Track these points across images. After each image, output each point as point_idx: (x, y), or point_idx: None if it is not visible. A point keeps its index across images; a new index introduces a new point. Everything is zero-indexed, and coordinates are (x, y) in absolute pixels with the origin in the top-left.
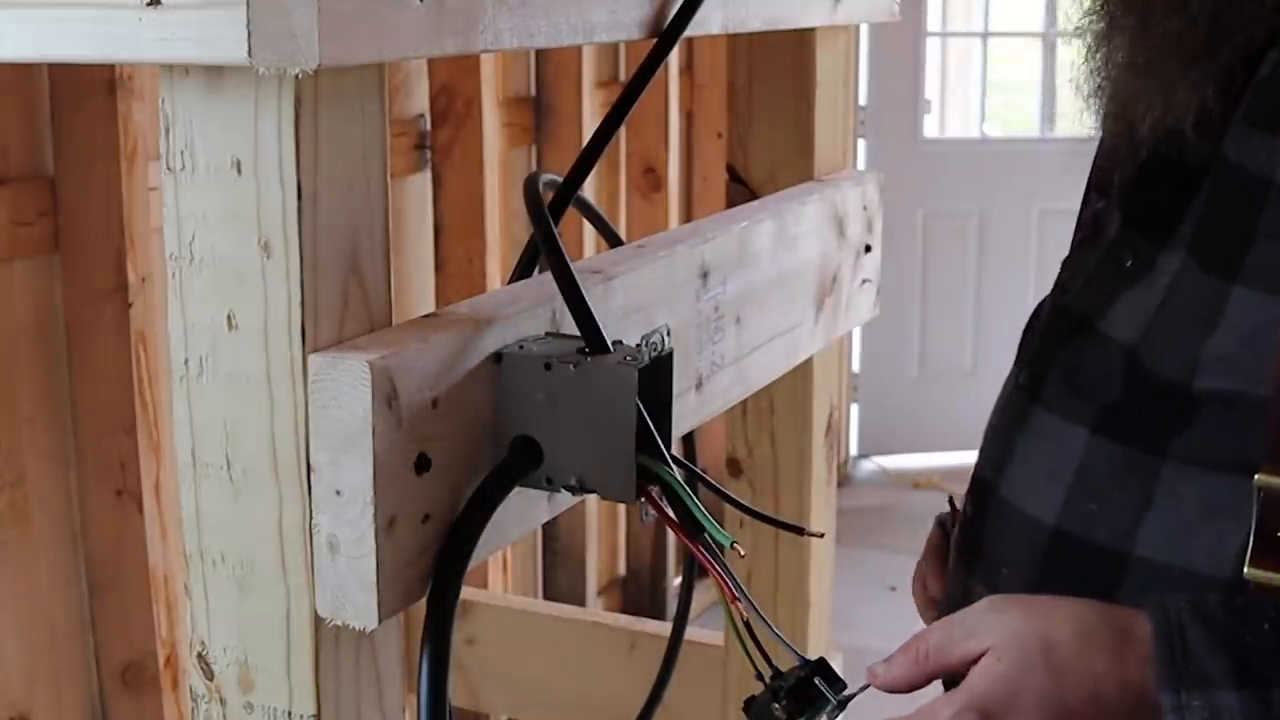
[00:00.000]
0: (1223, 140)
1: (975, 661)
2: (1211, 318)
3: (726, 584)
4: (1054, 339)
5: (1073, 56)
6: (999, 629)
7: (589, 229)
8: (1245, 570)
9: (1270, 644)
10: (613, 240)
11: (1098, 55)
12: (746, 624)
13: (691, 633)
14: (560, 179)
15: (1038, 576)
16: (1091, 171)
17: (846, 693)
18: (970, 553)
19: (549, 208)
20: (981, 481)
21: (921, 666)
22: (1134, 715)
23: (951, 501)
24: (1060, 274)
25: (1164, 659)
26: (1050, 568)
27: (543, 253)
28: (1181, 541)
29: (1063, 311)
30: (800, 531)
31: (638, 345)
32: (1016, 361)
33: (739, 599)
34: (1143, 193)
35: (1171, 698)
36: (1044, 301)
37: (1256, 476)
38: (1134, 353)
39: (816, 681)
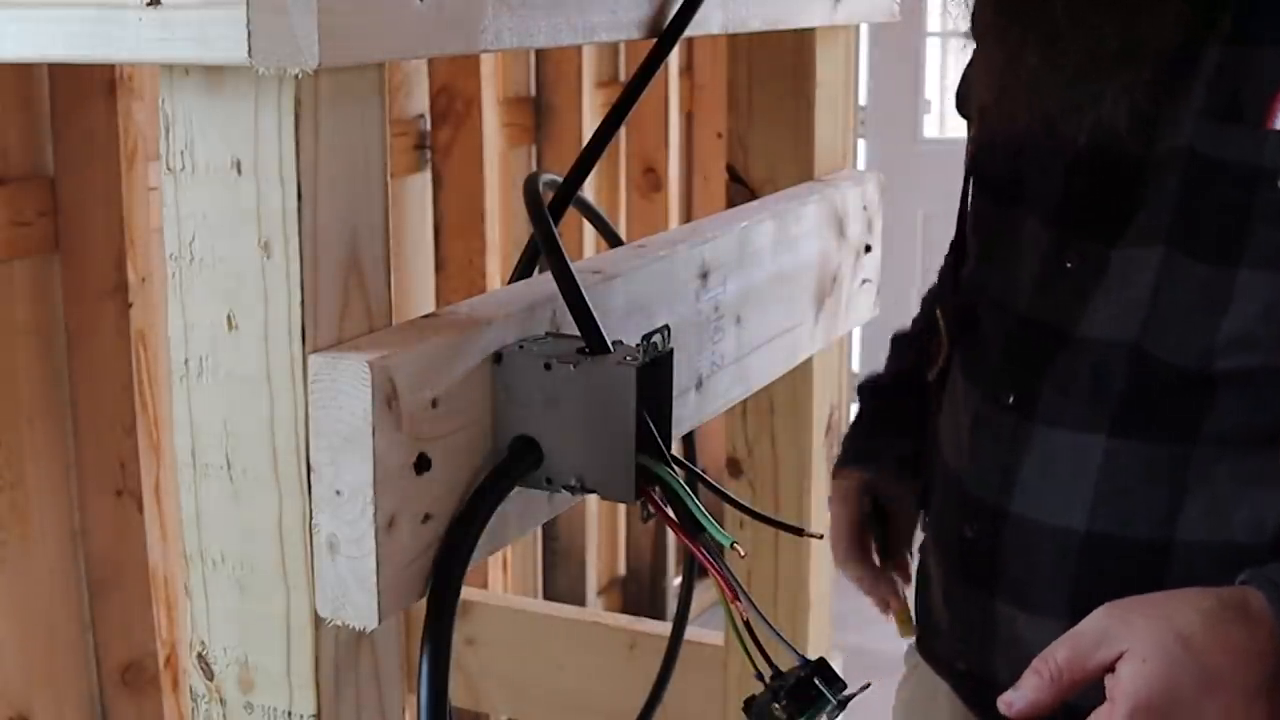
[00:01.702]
0: (1169, 137)
1: (1111, 669)
2: (1220, 302)
3: (726, 584)
4: (1032, 356)
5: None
6: (1130, 632)
7: (589, 229)
8: None
9: None
10: (613, 240)
11: (996, 60)
12: (746, 624)
13: (691, 633)
14: (560, 179)
15: (1076, 580)
16: (972, 170)
17: (846, 693)
18: (984, 575)
19: (549, 208)
20: (984, 505)
21: (1056, 684)
22: (1274, 683)
23: (876, 502)
24: (974, 280)
25: None
26: (1089, 570)
27: (543, 253)
28: (1220, 518)
29: (1025, 326)
30: (800, 532)
31: (638, 345)
32: (974, 377)
33: (739, 599)
34: (1080, 197)
35: None
36: (933, 295)
37: None
38: (1137, 349)
39: (816, 682)
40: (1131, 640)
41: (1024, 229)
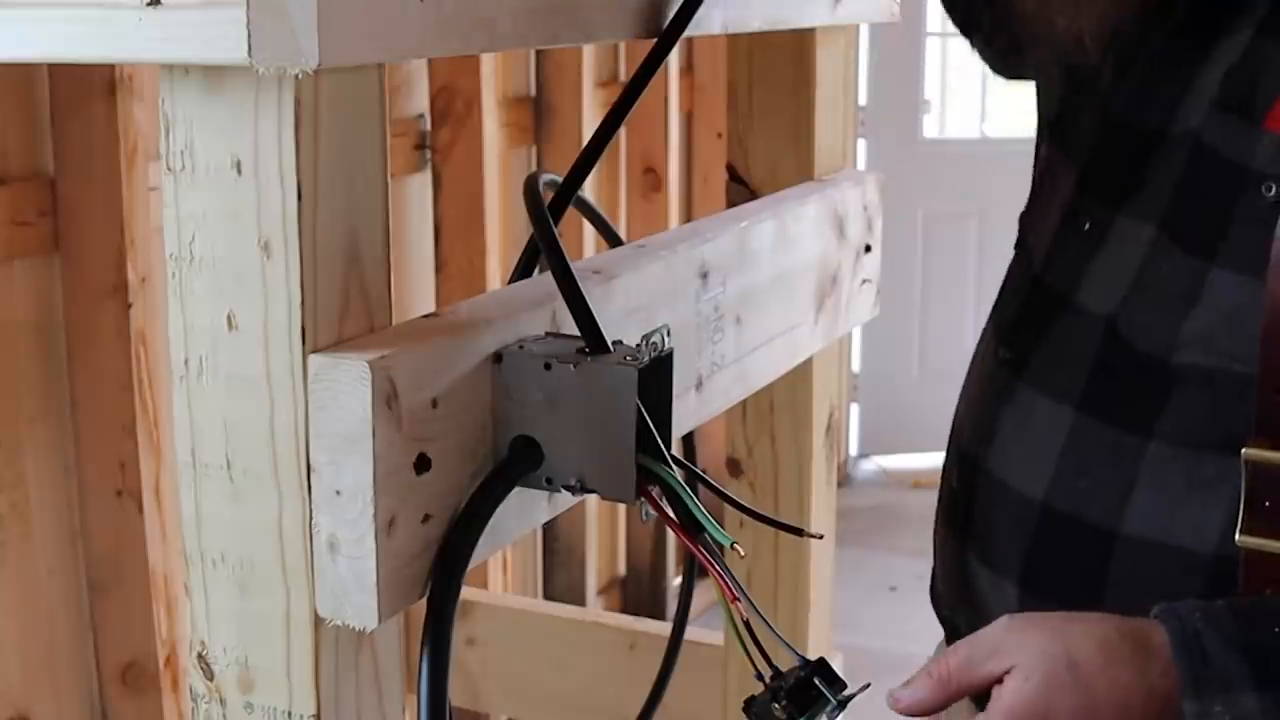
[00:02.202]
0: (1185, 118)
1: (999, 681)
2: (1190, 295)
3: (726, 584)
4: (1034, 314)
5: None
6: (1022, 648)
7: (589, 229)
8: (1237, 538)
9: None
10: (613, 240)
11: None
12: (746, 624)
13: (691, 632)
14: (560, 179)
15: (1029, 552)
16: (1039, 111)
17: (846, 693)
18: (960, 524)
19: (549, 208)
20: (967, 456)
21: (944, 688)
22: None
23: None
24: (1021, 232)
25: (1185, 666)
26: (1041, 543)
27: (542, 252)
28: (1167, 518)
29: (1036, 283)
30: (800, 533)
31: (638, 345)
32: (995, 329)
33: (739, 599)
34: (1102, 156)
35: (1195, 704)
36: (1013, 263)
37: (1244, 450)
38: (1112, 324)
39: (816, 682)
40: (1021, 657)
41: (1060, 178)
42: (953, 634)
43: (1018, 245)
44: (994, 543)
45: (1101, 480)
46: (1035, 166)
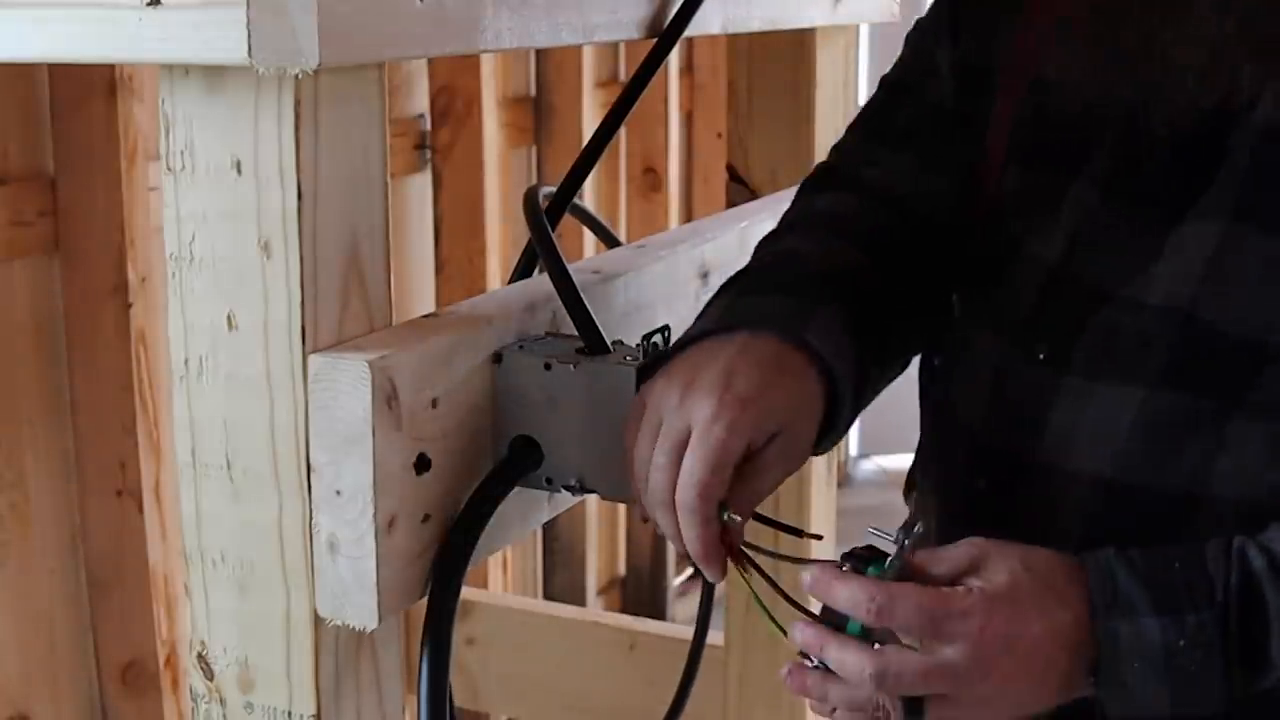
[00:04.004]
0: (1254, 111)
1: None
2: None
3: (735, 559)
4: (1068, 311)
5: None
6: (986, 554)
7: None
8: None
9: (1179, 578)
10: (611, 245)
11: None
12: (763, 574)
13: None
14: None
15: (1089, 527)
16: (1029, 139)
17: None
18: (997, 526)
19: (547, 212)
20: (1003, 454)
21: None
22: (1072, 651)
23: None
24: (1003, 233)
25: (1099, 593)
26: (1106, 518)
27: (542, 262)
28: (1253, 477)
29: (1060, 282)
30: (799, 533)
31: (638, 345)
32: (1000, 329)
33: (749, 570)
34: (1155, 165)
35: (1106, 625)
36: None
37: None
38: (1191, 317)
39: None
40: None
41: (1067, 190)
42: None
43: (1025, 251)
44: (1048, 527)
45: (1184, 447)
46: (989, 176)
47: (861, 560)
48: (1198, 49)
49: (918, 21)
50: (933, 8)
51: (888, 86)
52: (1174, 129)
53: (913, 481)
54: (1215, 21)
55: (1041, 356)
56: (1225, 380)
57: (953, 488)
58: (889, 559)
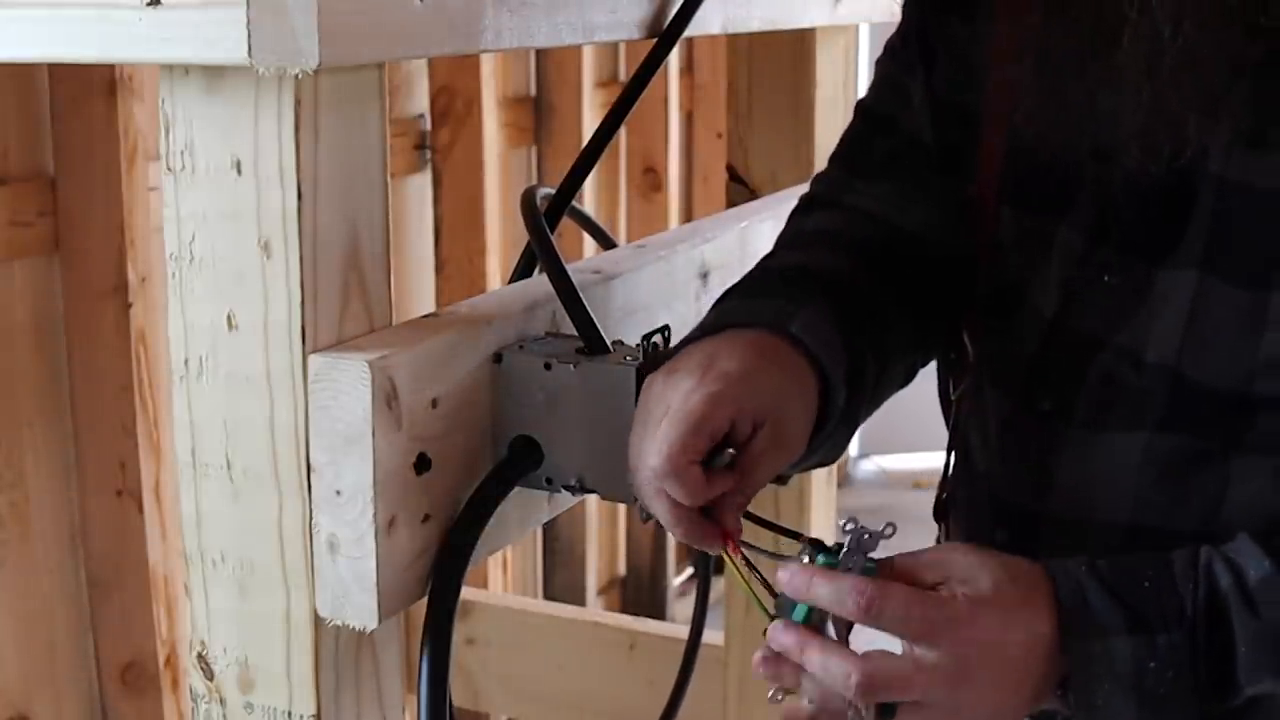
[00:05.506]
0: (1208, 161)
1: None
2: (1255, 327)
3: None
4: (1068, 362)
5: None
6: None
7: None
8: None
9: (1150, 596)
10: (607, 247)
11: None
12: (747, 563)
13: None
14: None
15: None
16: (1015, 182)
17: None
18: None
19: (546, 214)
20: (1017, 508)
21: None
22: (1046, 664)
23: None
24: (1004, 281)
25: (1070, 613)
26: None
27: (541, 265)
28: (1262, 509)
29: (1058, 333)
30: (799, 537)
31: (638, 345)
32: (999, 381)
33: (738, 549)
34: (1128, 215)
35: (1078, 644)
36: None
37: None
38: (1176, 372)
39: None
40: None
41: (1054, 236)
42: None
43: (1004, 298)
44: None
45: (1193, 485)
46: (985, 222)
47: (815, 548)
48: (1136, 113)
49: (887, 44)
50: (900, 34)
51: (863, 114)
52: (1138, 183)
53: (942, 509)
54: (1148, 83)
55: (1047, 408)
56: (1221, 427)
57: (978, 540)
58: (842, 549)
